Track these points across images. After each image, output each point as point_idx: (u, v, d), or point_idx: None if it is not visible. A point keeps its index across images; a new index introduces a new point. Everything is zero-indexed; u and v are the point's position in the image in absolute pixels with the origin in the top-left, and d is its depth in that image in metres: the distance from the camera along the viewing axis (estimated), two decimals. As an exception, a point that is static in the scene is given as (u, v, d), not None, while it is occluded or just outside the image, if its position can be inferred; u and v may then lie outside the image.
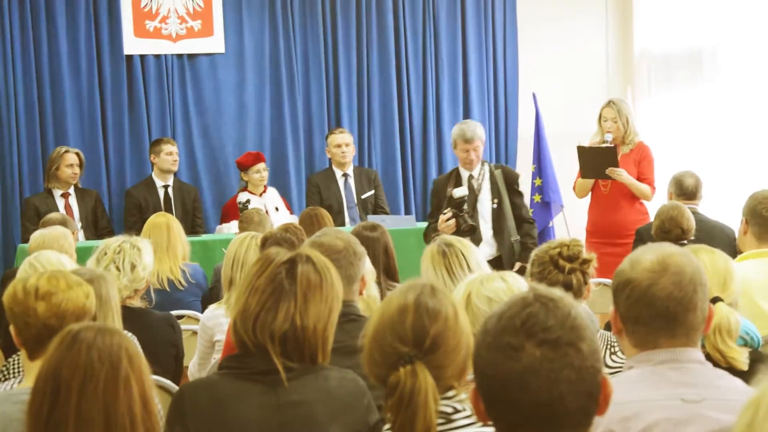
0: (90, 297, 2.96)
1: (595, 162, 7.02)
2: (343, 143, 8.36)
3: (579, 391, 1.79)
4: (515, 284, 3.04)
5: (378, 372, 2.41)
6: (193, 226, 8.09)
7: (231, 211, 8.12)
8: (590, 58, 9.49)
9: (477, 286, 3.04)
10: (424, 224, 8.17)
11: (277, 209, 8.10)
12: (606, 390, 1.84)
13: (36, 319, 2.87)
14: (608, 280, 5.61)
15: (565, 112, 9.08)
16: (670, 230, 5.43)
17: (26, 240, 6.44)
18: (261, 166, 8.18)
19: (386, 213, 8.35)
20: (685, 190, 6.41)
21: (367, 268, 3.66)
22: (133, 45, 8.58)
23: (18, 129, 8.32)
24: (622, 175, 7.00)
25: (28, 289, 2.91)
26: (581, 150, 7.13)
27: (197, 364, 4.82)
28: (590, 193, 7.35)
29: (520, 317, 1.81)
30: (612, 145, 7.08)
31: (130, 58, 8.60)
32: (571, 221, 8.32)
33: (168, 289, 5.49)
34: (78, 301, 2.91)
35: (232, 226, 7.66)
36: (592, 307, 4.18)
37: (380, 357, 2.40)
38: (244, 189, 8.24)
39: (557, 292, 1.87)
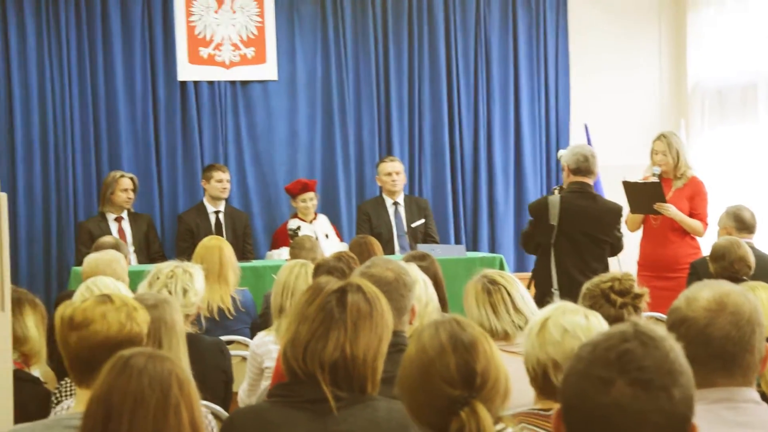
0: (132, 321, 2.91)
1: (642, 197, 6.94)
2: (394, 171, 8.37)
3: None
4: (595, 325, 2.99)
5: (430, 419, 2.34)
6: (243, 252, 8.13)
7: (281, 237, 8.16)
8: (643, 90, 9.43)
9: (558, 314, 2.99)
10: (474, 254, 8.17)
11: (327, 236, 8.12)
12: None
13: (69, 350, 2.89)
14: (660, 315, 5.55)
15: (617, 143, 9.03)
16: (734, 267, 5.34)
17: (80, 263, 6.49)
18: (309, 194, 8.21)
19: (436, 242, 8.33)
20: (747, 224, 6.33)
21: (418, 297, 3.63)
22: (187, 71, 8.68)
23: (74, 153, 8.43)
24: (670, 210, 6.91)
25: (64, 318, 2.92)
26: (627, 185, 7.06)
27: (246, 390, 4.83)
28: (642, 227, 7.28)
29: (617, 351, 1.75)
30: (657, 181, 7.00)
31: (184, 84, 8.69)
32: (622, 254, 8.22)
33: (218, 318, 5.51)
34: (109, 333, 2.86)
35: (282, 253, 7.69)
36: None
37: (429, 403, 2.33)
38: (295, 216, 8.27)
39: (660, 331, 1.81)
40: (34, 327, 3.99)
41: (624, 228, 7.40)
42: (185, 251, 7.61)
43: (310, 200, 8.23)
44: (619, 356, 1.74)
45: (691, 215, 7.00)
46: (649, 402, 1.72)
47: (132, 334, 2.92)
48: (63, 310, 2.96)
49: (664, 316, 2.67)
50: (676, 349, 1.78)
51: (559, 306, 3.05)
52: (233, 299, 5.59)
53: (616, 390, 1.72)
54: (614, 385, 1.73)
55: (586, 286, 3.70)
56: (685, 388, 1.75)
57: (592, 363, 1.77)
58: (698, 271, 5.85)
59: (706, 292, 2.47)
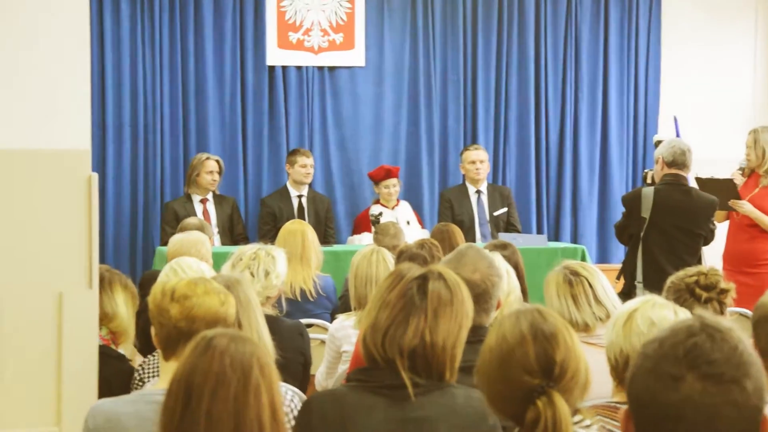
0: (226, 305, 3.01)
1: (716, 193, 6.79)
2: (478, 160, 8.35)
3: (738, 429, 1.70)
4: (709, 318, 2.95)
5: (507, 408, 2.35)
6: (325, 237, 8.18)
7: (363, 222, 8.19)
8: (736, 84, 9.26)
9: (648, 307, 2.97)
10: (557, 244, 8.11)
11: (408, 223, 8.13)
12: (766, 430, 1.74)
13: (168, 320, 2.95)
14: (744, 310, 5.45)
15: (707, 137, 8.87)
16: None
17: (165, 243, 6.60)
18: (392, 181, 8.23)
19: (518, 231, 8.29)
20: None
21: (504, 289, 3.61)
22: (276, 56, 8.74)
23: (162, 135, 8.55)
24: (745, 207, 6.80)
25: (166, 291, 2.99)
26: (700, 181, 6.95)
27: (324, 373, 4.87)
28: (727, 221, 7.17)
29: (684, 346, 1.73)
30: (729, 177, 6.88)
31: (272, 69, 8.76)
32: (710, 248, 8.08)
33: (299, 299, 5.55)
34: (210, 308, 2.96)
35: (364, 238, 7.72)
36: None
37: (508, 392, 2.34)
38: (377, 201, 8.30)
39: (726, 323, 1.78)
40: (123, 305, 4.07)
41: None
42: (267, 234, 7.70)
43: (392, 186, 8.25)
44: (688, 351, 1.72)
45: None
46: (721, 395, 1.69)
47: (228, 314, 3.00)
48: (160, 285, 3.05)
49: (749, 312, 2.62)
50: (744, 340, 1.75)
51: (648, 299, 3.02)
52: (315, 283, 5.63)
53: (686, 386, 1.70)
54: (684, 380, 1.71)
55: (671, 279, 3.67)
56: (756, 379, 1.72)
57: (660, 360, 1.75)
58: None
59: (791, 288, 2.43)
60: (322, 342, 5.05)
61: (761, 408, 1.73)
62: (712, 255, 7.31)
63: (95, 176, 3.50)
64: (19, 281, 3.44)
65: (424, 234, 7.76)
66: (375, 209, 8.03)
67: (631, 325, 2.90)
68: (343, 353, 4.71)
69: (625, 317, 2.92)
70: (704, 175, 7.04)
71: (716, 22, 9.27)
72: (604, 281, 3.90)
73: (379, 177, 8.27)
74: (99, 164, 8.33)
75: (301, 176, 8.28)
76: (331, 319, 5.46)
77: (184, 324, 2.92)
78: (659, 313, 2.94)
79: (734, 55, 9.31)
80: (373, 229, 7.08)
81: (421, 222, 8.51)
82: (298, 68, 8.79)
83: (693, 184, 7.36)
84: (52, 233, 3.47)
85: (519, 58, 9.07)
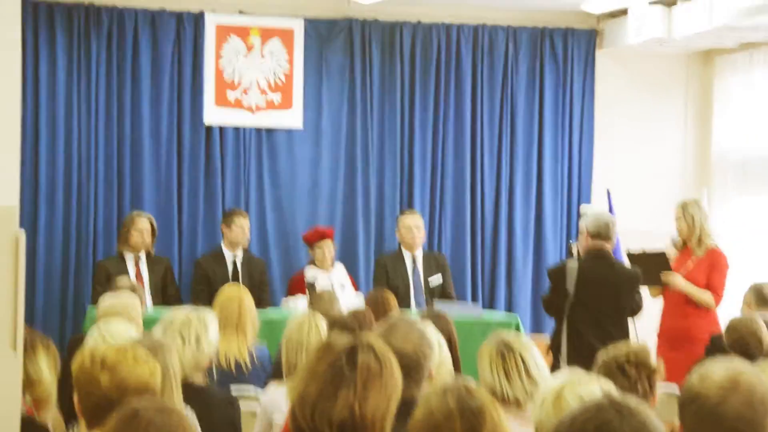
0: (154, 375, 2.97)
1: (648, 268, 6.85)
2: (414, 225, 8.36)
3: None
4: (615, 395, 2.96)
5: None
6: (259, 300, 8.09)
7: (297, 285, 8.15)
8: (667, 157, 9.44)
9: (574, 383, 2.98)
10: (491, 312, 8.13)
11: (343, 286, 8.10)
12: None
13: (98, 390, 2.89)
14: (675, 389, 5.50)
15: (639, 209, 9.01)
16: (746, 340, 5.31)
17: (95, 302, 6.50)
18: (326, 243, 8.19)
19: (452, 299, 8.30)
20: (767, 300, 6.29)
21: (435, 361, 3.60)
22: (213, 115, 8.73)
23: (96, 192, 8.47)
24: (677, 281, 6.87)
25: (95, 358, 2.94)
26: (632, 257, 7.03)
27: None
28: (662, 294, 7.22)
29: (594, 423, 1.77)
30: (662, 251, 6.97)
31: (209, 128, 8.75)
32: (644, 321, 8.15)
33: (234, 372, 5.44)
34: (141, 377, 2.92)
35: (298, 300, 7.68)
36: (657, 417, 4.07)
37: None
38: (312, 263, 8.27)
39: (633, 400, 1.82)
40: (47, 369, 3.97)
41: (646, 292, 7.36)
42: (200, 296, 7.62)
43: (326, 248, 8.22)
44: (597, 427, 1.76)
45: (706, 287, 6.94)
46: None
47: (156, 384, 2.98)
48: (88, 351, 2.99)
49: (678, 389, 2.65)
50: (652, 416, 1.80)
51: (572, 375, 3.03)
52: (250, 353, 5.53)
53: None
54: None
55: (602, 357, 3.69)
56: None
57: None
58: (716, 345, 5.81)
59: (719, 369, 2.45)
60: (254, 414, 4.97)
61: None
62: (645, 328, 7.37)
63: (23, 233, 3.43)
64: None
65: (359, 297, 7.74)
66: (309, 275, 8.00)
67: (561, 404, 2.90)
68: (274, 425, 4.64)
69: (553, 396, 2.92)
70: (636, 249, 7.11)
71: (648, 95, 9.45)
72: (537, 355, 3.90)
73: (312, 239, 8.24)
74: (30, 221, 8.22)
75: (238, 237, 8.22)
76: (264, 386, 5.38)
77: (116, 393, 2.86)
78: (587, 389, 2.95)
79: (665, 128, 9.47)
80: (308, 295, 7.05)
81: (356, 285, 8.48)
82: (236, 129, 8.79)
83: (621, 257, 7.45)
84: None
85: (455, 125, 9.15)
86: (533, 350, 3.91)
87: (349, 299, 7.57)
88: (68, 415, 4.23)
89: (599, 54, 9.37)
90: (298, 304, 7.58)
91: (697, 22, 8.00)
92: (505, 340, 3.89)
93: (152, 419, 2.29)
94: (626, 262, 7.08)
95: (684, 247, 7.15)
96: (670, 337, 7.01)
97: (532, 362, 3.83)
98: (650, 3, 8.32)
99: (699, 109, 9.52)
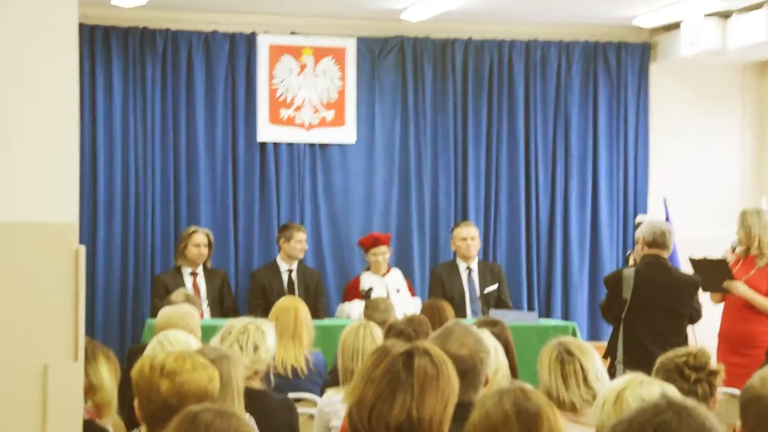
0: (213, 381, 3.00)
1: (710, 274, 6.80)
2: (469, 236, 8.36)
3: None
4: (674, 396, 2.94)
5: None
6: (315, 310, 8.15)
7: (353, 291, 8.18)
8: (724, 168, 9.36)
9: (635, 384, 2.96)
10: (547, 321, 8.10)
11: (398, 291, 8.12)
12: None
13: (158, 396, 2.93)
14: (735, 390, 5.43)
15: (696, 217, 8.93)
16: None
17: (154, 315, 6.56)
18: (381, 249, 8.22)
19: (509, 308, 8.27)
20: None
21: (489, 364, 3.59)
22: (267, 132, 8.82)
23: (153, 208, 8.59)
24: (739, 288, 6.80)
25: (154, 365, 2.98)
26: (694, 262, 6.96)
27: (313, 450, 4.82)
28: (723, 300, 7.14)
29: (652, 424, 1.75)
30: (723, 258, 6.90)
31: (263, 144, 8.82)
32: (704, 327, 8.05)
33: (290, 377, 5.53)
34: (200, 384, 2.95)
35: (354, 305, 7.71)
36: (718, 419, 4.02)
37: None
38: (368, 269, 8.29)
39: (691, 401, 1.81)
40: (108, 376, 4.04)
41: (707, 298, 7.27)
42: (257, 308, 7.68)
43: (381, 254, 8.24)
44: (655, 428, 1.74)
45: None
46: None
47: (215, 390, 3.02)
48: (147, 359, 3.03)
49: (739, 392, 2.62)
50: (711, 417, 1.77)
51: (633, 377, 3.01)
52: (306, 359, 5.62)
53: None
54: None
55: (660, 359, 3.66)
56: None
57: None
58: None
59: (781, 371, 2.43)
60: (311, 417, 5.02)
61: None
62: (707, 334, 7.28)
63: (83, 249, 3.49)
64: (2, 355, 3.40)
65: (415, 302, 7.77)
66: (365, 282, 8.02)
67: (621, 404, 2.89)
68: (332, 428, 4.67)
69: (614, 396, 2.91)
70: (698, 255, 7.05)
71: (703, 106, 9.38)
72: (598, 363, 3.85)
73: (368, 244, 8.27)
74: (90, 237, 8.34)
75: (297, 251, 8.29)
76: (322, 393, 5.42)
77: (175, 400, 2.90)
78: (648, 390, 2.93)
79: (721, 137, 9.40)
80: (364, 302, 7.07)
81: (412, 289, 8.49)
82: (290, 145, 8.86)
83: (679, 265, 7.38)
84: (37, 306, 3.44)
85: (509, 136, 9.15)
86: (594, 357, 3.86)
87: (406, 304, 7.61)
88: (129, 423, 4.29)
89: (653, 67, 9.35)
90: (354, 307, 7.61)
91: (754, 33, 7.97)
92: (567, 344, 3.86)
93: (211, 422, 2.31)
94: (687, 269, 7.02)
95: (746, 254, 7.07)
96: (730, 340, 6.93)
97: (592, 371, 3.79)
98: (705, 15, 8.27)
99: (755, 119, 9.43)
